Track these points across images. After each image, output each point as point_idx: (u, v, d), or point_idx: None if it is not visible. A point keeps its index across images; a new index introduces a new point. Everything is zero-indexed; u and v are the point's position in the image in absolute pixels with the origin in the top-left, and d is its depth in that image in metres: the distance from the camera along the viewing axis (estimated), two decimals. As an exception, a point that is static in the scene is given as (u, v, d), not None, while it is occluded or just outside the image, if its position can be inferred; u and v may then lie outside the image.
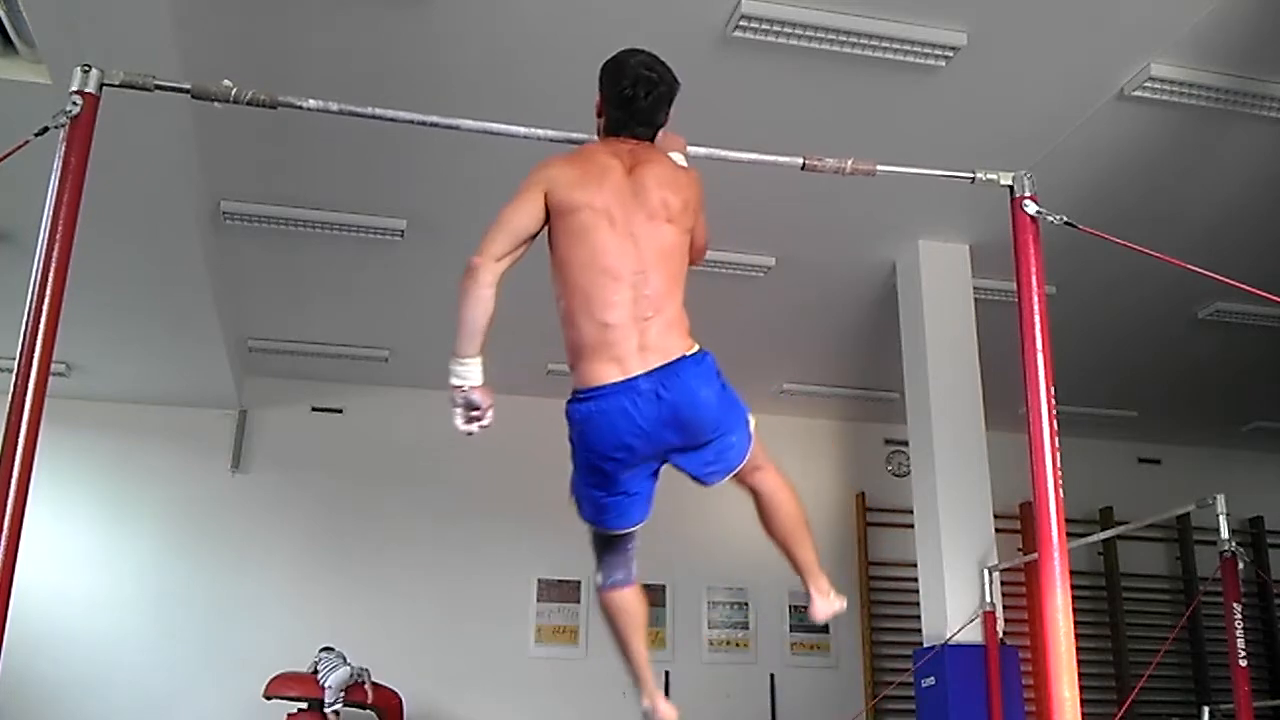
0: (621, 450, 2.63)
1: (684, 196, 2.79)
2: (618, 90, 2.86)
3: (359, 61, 5.06)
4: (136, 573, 8.34)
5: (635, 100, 2.84)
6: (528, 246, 2.74)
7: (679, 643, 8.97)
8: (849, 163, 3.11)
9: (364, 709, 7.20)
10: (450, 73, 5.16)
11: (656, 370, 2.59)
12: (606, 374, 2.59)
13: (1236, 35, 4.94)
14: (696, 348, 2.68)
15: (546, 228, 2.74)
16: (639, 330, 2.61)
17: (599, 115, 2.95)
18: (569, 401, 2.67)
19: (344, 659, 7.17)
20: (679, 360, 2.62)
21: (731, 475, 2.79)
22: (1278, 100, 5.34)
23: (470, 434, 2.64)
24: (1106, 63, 5.17)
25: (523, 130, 3.13)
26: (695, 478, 2.76)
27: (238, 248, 6.78)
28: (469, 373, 2.63)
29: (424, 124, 3.13)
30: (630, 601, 3.00)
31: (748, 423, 2.77)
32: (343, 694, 7.03)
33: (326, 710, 7.00)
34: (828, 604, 3.01)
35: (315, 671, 7.13)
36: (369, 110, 3.03)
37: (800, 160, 3.10)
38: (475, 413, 2.65)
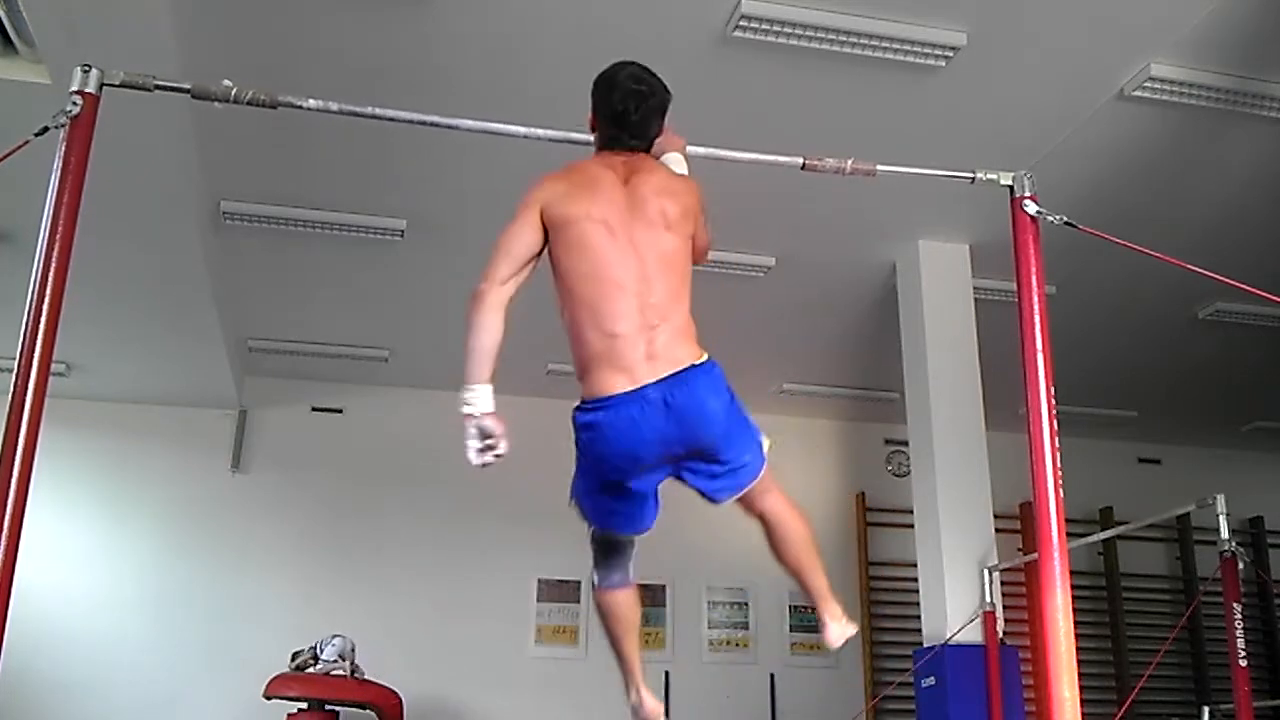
0: (629, 459, 2.62)
1: (683, 203, 2.78)
2: (609, 106, 2.85)
3: (359, 61, 5.06)
4: (136, 573, 8.34)
5: (626, 115, 2.83)
6: (533, 267, 2.74)
7: (679, 643, 8.97)
8: (849, 163, 3.11)
9: (363, 708, 7.20)
10: (450, 73, 5.16)
11: (665, 379, 2.57)
12: (615, 384, 2.58)
13: (1236, 35, 4.94)
14: (705, 357, 2.66)
15: (547, 245, 2.73)
16: (646, 339, 2.60)
17: (592, 130, 2.94)
18: (576, 410, 2.66)
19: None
20: (688, 369, 2.60)
21: (739, 496, 2.79)
22: (1278, 100, 5.34)
23: (485, 465, 2.56)
24: (1106, 63, 5.16)
25: (522, 130, 3.13)
26: (704, 494, 2.75)
27: (238, 248, 6.78)
28: (479, 399, 2.59)
29: (424, 124, 3.13)
30: (626, 603, 3.03)
31: (760, 444, 2.77)
32: (338, 661, 7.08)
33: (322, 664, 7.05)
34: (840, 629, 3.00)
35: (315, 655, 7.17)
36: (369, 110, 3.03)
37: (800, 160, 3.10)
38: (489, 441, 2.58)
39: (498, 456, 2.58)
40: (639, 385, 2.56)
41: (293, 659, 7.17)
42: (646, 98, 2.85)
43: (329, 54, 5.02)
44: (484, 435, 2.58)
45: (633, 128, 2.85)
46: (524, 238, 2.69)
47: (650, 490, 2.77)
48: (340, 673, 7.06)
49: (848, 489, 9.63)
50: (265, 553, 8.53)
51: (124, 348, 7.82)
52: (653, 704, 3.18)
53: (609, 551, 2.93)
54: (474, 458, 2.58)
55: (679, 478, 2.72)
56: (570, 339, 2.69)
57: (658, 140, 3.05)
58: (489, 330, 2.62)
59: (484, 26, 4.90)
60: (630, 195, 2.73)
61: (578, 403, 2.67)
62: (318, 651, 7.19)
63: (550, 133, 3.16)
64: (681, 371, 2.59)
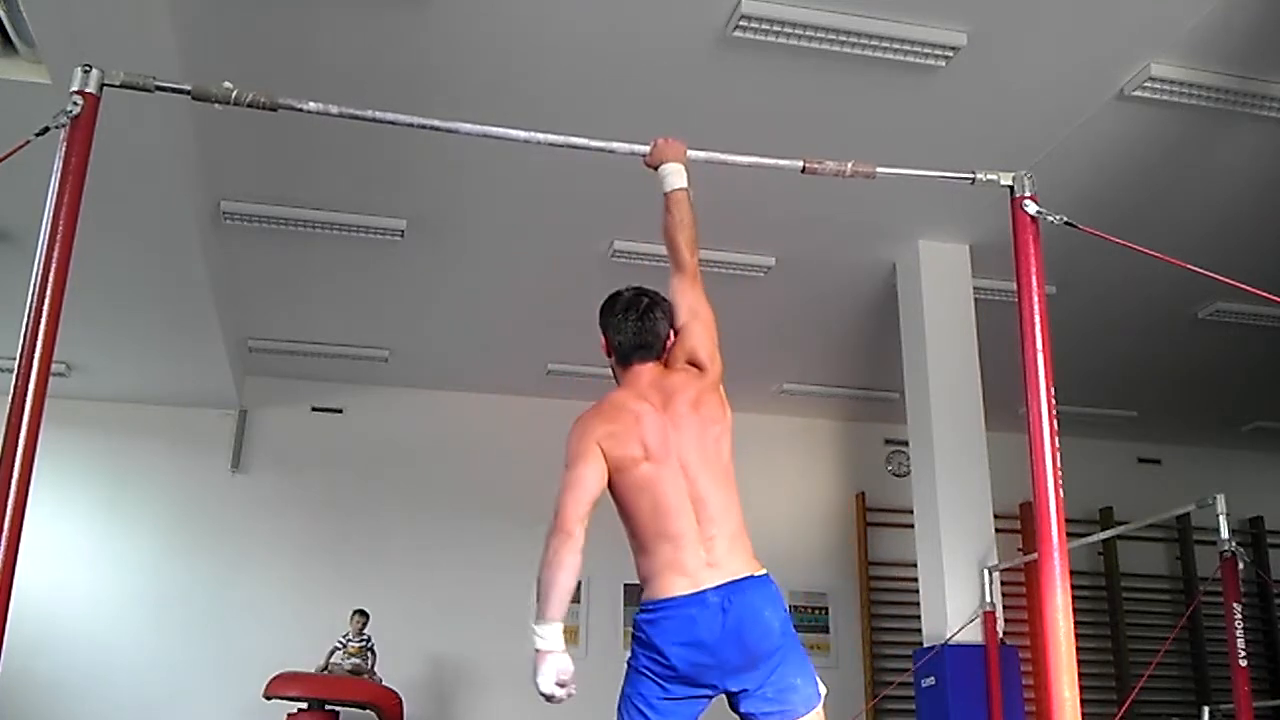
0: (683, 657, 2.67)
1: (714, 398, 2.89)
2: (615, 318, 2.96)
3: (359, 62, 5.06)
4: (136, 573, 8.34)
5: (629, 321, 2.92)
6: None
7: (679, 643, 8.96)
8: (849, 165, 3.10)
9: (363, 708, 7.19)
10: (450, 74, 5.16)
11: (723, 585, 2.69)
12: (676, 587, 2.70)
13: (1236, 35, 4.93)
14: (762, 571, 2.77)
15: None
16: (705, 548, 2.72)
17: (608, 355, 3.02)
18: (638, 614, 2.76)
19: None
20: (745, 579, 2.72)
21: None
22: (1278, 100, 5.34)
23: (553, 699, 2.63)
24: (1106, 63, 5.16)
25: (522, 134, 3.12)
26: (753, 717, 2.73)
27: (238, 248, 6.78)
28: (553, 637, 2.67)
29: (423, 127, 3.12)
30: None
31: (815, 679, 2.79)
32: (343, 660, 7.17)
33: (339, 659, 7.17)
34: None
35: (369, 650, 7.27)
36: (369, 113, 3.02)
37: (800, 164, 3.10)
38: (563, 678, 2.65)
39: (570, 694, 2.65)
40: (699, 589, 2.68)
41: (329, 658, 7.21)
42: (652, 305, 2.95)
43: (330, 55, 5.02)
44: (560, 671, 2.65)
45: (644, 334, 2.93)
46: (596, 477, 2.78)
47: (692, 710, 2.75)
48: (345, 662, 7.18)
49: (848, 489, 9.62)
50: (265, 553, 8.53)
51: (124, 348, 7.82)
52: None
53: None
54: (546, 687, 2.63)
55: (733, 706, 2.76)
56: (635, 553, 2.82)
57: (659, 144, 3.05)
58: (572, 571, 2.69)
59: (484, 28, 4.89)
60: (674, 421, 2.82)
61: (639, 608, 2.77)
62: (362, 645, 7.23)
63: (549, 137, 3.16)
64: (739, 580, 2.71)
